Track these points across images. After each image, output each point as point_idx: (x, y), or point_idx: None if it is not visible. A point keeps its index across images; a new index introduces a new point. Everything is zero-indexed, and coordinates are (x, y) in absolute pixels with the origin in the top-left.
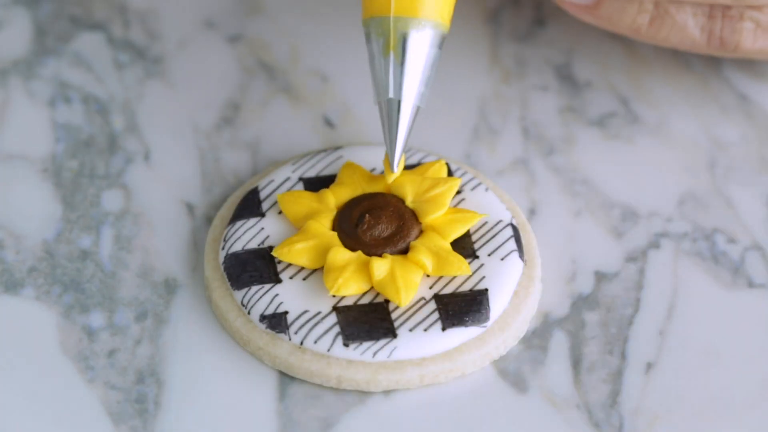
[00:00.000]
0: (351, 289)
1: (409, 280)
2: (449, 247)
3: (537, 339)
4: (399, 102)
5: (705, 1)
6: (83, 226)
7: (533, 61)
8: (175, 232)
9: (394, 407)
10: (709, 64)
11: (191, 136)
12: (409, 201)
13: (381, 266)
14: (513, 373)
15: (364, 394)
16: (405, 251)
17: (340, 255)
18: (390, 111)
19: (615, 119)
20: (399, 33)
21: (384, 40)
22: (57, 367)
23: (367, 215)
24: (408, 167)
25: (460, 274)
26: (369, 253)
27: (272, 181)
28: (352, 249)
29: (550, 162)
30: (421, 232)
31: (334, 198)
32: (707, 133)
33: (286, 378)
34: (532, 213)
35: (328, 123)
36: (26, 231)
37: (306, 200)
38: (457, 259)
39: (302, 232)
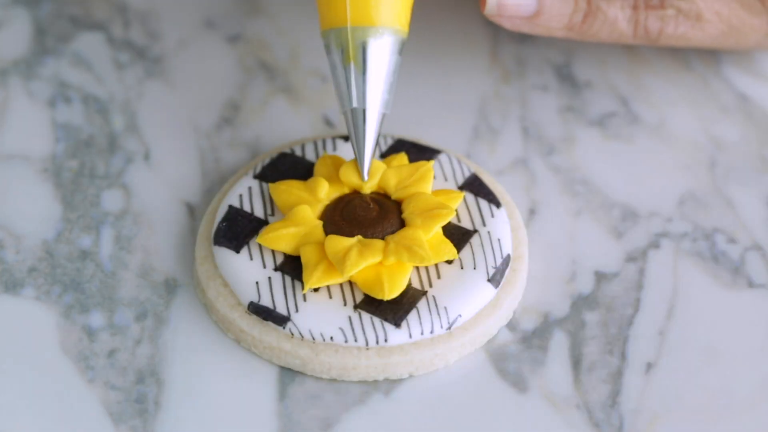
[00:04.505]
0: (327, 282)
1: (395, 278)
2: (439, 236)
3: (537, 339)
4: (364, 111)
5: None
6: (83, 226)
7: (533, 61)
8: (175, 232)
9: (394, 407)
10: (709, 64)
11: (191, 136)
12: (393, 194)
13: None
14: (513, 373)
15: (364, 393)
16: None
17: (317, 250)
18: (356, 120)
19: (615, 119)
20: (357, 42)
21: (343, 51)
22: (57, 367)
23: (368, 199)
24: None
25: (449, 258)
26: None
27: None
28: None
29: (550, 162)
30: (403, 223)
31: (326, 188)
32: (707, 133)
33: (286, 378)
34: (532, 213)
35: (328, 123)
36: (26, 231)
37: (296, 189)
38: (446, 245)
39: (287, 219)
